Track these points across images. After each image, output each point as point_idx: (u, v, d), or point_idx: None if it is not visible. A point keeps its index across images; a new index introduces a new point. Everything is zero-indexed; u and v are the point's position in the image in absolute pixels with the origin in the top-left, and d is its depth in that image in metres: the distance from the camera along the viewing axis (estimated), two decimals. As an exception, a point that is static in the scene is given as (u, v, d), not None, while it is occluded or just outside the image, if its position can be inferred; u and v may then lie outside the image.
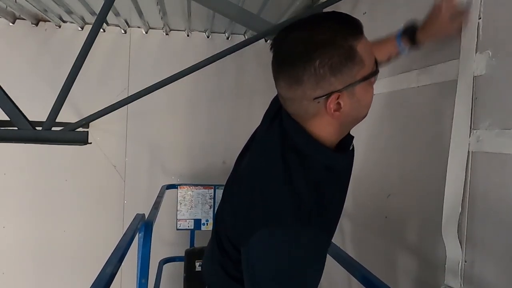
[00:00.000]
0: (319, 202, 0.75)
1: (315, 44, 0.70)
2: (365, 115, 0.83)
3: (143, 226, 1.52)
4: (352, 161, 0.92)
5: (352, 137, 0.89)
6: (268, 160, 0.83)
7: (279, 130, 0.86)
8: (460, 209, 1.07)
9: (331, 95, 0.73)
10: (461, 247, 1.08)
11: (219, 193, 2.63)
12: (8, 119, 1.29)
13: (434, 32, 1.14)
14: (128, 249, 1.18)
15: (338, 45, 0.70)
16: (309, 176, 0.77)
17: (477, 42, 1.06)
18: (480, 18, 1.06)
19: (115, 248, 1.11)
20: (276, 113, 0.92)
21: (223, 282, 0.93)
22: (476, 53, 1.07)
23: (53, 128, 1.33)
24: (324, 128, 0.79)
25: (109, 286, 0.91)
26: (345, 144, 0.87)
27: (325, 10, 2.35)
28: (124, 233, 1.27)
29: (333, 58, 0.70)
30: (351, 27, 0.73)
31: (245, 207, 0.82)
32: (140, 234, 1.52)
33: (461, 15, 1.11)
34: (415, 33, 1.15)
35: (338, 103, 0.74)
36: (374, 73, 0.77)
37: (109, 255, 1.06)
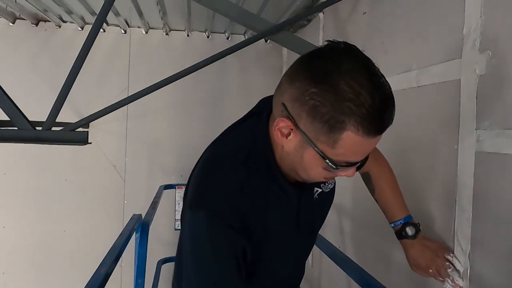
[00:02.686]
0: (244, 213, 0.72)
1: (334, 84, 0.60)
2: (302, 174, 0.73)
3: (139, 227, 1.52)
4: (313, 201, 0.87)
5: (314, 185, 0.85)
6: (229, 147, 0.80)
7: (255, 126, 0.79)
8: (471, 213, 1.07)
9: (290, 120, 0.65)
10: (467, 251, 1.08)
11: (219, 193, 2.63)
12: (8, 119, 1.29)
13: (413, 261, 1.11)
14: (124, 249, 1.18)
15: (340, 110, 0.60)
16: (250, 184, 0.74)
17: (479, 42, 1.06)
18: (480, 18, 1.06)
19: (110, 249, 1.11)
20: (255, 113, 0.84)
21: None
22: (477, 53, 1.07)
23: (53, 128, 1.33)
24: (273, 137, 0.73)
25: (104, 286, 0.91)
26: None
27: (325, 10, 2.35)
28: (120, 234, 1.27)
29: (325, 107, 0.60)
30: (370, 119, 0.60)
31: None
32: (137, 235, 1.51)
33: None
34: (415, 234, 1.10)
35: (289, 133, 0.67)
36: (333, 163, 0.65)
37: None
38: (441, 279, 1.08)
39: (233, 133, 0.83)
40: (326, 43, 0.66)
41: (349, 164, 0.67)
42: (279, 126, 0.67)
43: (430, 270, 1.08)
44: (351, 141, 0.62)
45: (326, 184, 0.90)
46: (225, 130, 0.85)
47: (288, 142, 0.68)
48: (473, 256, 1.06)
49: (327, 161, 0.65)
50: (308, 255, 1.04)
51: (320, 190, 0.89)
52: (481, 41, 1.05)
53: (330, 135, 0.62)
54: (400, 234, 1.11)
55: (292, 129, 0.66)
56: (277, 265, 0.84)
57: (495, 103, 1.00)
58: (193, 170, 0.86)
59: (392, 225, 1.13)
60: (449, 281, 1.07)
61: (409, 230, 1.09)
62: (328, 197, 0.94)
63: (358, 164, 0.69)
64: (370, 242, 1.71)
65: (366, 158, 0.71)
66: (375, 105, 0.60)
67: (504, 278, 0.96)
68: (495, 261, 0.99)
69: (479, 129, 1.04)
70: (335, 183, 0.95)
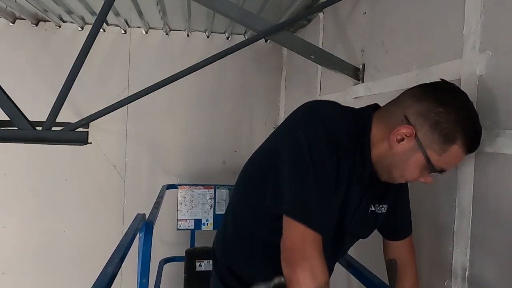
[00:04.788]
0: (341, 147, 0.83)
1: (455, 110, 0.81)
2: (395, 173, 0.88)
3: (143, 226, 1.52)
4: (368, 211, 0.95)
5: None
6: None
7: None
8: (471, 213, 1.07)
9: (410, 127, 0.81)
10: (466, 251, 1.08)
11: (220, 193, 2.63)
12: (8, 119, 1.29)
13: None
14: (129, 249, 1.18)
15: (457, 128, 0.80)
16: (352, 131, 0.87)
17: (479, 42, 1.06)
18: (480, 18, 1.06)
19: (116, 248, 1.11)
20: None
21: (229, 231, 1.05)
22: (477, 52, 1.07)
23: (53, 128, 1.33)
24: (378, 144, 0.88)
25: (111, 286, 0.91)
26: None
27: (325, 10, 2.35)
28: (125, 233, 1.27)
29: (446, 124, 0.80)
30: (472, 140, 0.83)
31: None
32: (140, 234, 1.51)
33: None
34: None
35: (402, 139, 0.83)
36: (433, 167, 0.84)
37: (110, 255, 1.06)
38: None
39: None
40: (441, 80, 0.87)
41: (441, 170, 0.85)
42: (400, 131, 0.83)
43: None
44: (454, 154, 0.82)
45: (381, 206, 0.98)
46: None
47: (399, 146, 0.84)
48: (473, 256, 1.06)
49: (430, 164, 0.83)
50: (336, 259, 1.08)
51: (374, 208, 0.96)
52: (481, 41, 1.05)
53: (443, 145, 0.81)
54: None
55: (407, 136, 0.82)
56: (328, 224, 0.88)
57: (495, 103, 1.00)
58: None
59: None
60: None
61: None
62: (378, 219, 0.99)
63: (441, 174, 0.88)
64: (370, 242, 1.71)
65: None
66: (477, 132, 0.84)
67: (504, 278, 0.96)
68: (495, 261, 0.99)
69: (479, 129, 1.04)
70: (386, 212, 1.00)
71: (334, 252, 1.00)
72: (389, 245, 1.13)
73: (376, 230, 1.08)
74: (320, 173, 0.80)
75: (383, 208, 0.99)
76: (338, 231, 0.94)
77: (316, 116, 0.85)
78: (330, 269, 1.05)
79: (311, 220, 0.78)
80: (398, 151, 0.85)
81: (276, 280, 0.83)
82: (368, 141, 0.89)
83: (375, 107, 0.95)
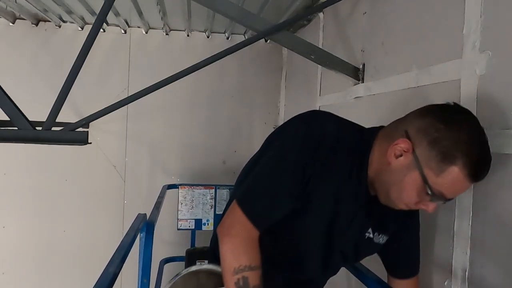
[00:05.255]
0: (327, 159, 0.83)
1: (459, 129, 0.75)
2: (392, 194, 0.83)
3: (144, 226, 1.51)
4: (364, 237, 0.94)
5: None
6: None
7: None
8: (471, 213, 1.07)
9: (409, 141, 0.78)
10: (466, 251, 1.08)
11: (220, 193, 2.63)
12: (8, 119, 1.29)
13: None
14: (131, 249, 1.18)
15: (458, 147, 0.74)
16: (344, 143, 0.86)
17: (479, 42, 1.06)
18: (480, 18, 1.06)
19: (117, 248, 1.11)
20: None
21: None
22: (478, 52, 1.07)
23: (53, 128, 1.33)
24: (376, 159, 0.85)
25: (112, 286, 0.91)
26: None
27: (325, 10, 2.35)
28: (126, 233, 1.26)
29: (446, 141, 0.74)
30: (476, 164, 0.75)
31: None
32: (141, 234, 1.51)
33: None
34: None
35: (401, 154, 0.79)
36: (430, 189, 0.77)
37: (110, 255, 1.06)
38: None
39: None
40: (450, 103, 0.82)
41: (441, 196, 0.77)
42: (398, 145, 0.79)
43: None
44: (453, 176, 0.74)
45: (380, 236, 0.96)
46: None
47: (397, 161, 0.79)
48: (473, 256, 1.06)
49: (427, 185, 0.76)
50: (326, 274, 1.06)
51: (372, 236, 0.94)
52: (481, 41, 1.05)
53: (440, 164, 0.74)
54: None
55: (406, 152, 0.78)
56: (307, 236, 0.90)
57: (495, 103, 1.00)
58: None
59: None
60: None
61: None
62: (373, 248, 0.98)
63: (443, 202, 0.80)
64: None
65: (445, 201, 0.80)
66: (482, 157, 0.76)
67: (504, 278, 0.96)
68: (495, 261, 0.99)
69: (479, 129, 1.04)
70: (384, 243, 0.98)
71: (323, 266, 0.99)
72: (392, 282, 1.10)
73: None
74: (278, 172, 0.84)
75: (381, 239, 0.96)
76: (327, 245, 0.93)
77: (303, 121, 0.86)
78: (320, 284, 1.06)
79: (250, 211, 0.83)
80: (396, 167, 0.80)
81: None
82: (367, 155, 0.86)
83: (381, 127, 0.93)
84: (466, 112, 0.80)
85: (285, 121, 0.91)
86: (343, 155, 0.85)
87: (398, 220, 0.97)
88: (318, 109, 0.93)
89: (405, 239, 1.03)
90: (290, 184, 0.83)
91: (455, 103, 0.81)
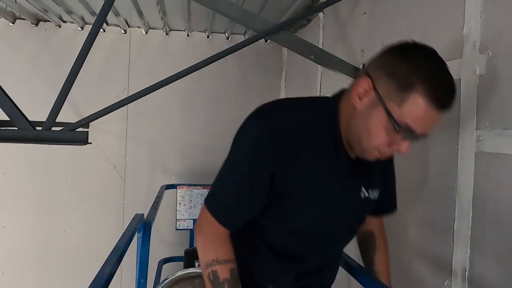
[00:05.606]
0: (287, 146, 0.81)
1: (417, 58, 0.74)
2: (363, 140, 0.81)
3: (142, 226, 1.51)
4: (360, 198, 0.93)
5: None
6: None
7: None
8: (471, 213, 1.07)
9: (368, 78, 0.77)
10: (466, 251, 1.08)
11: (219, 193, 2.63)
12: (8, 119, 1.29)
13: None
14: (127, 249, 1.18)
15: (416, 74, 0.71)
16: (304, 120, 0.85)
17: (479, 42, 1.06)
18: (480, 18, 1.06)
19: (113, 248, 1.11)
20: None
21: None
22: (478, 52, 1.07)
23: (53, 128, 1.33)
24: (344, 110, 0.85)
25: (108, 286, 0.91)
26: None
27: (325, 10, 2.35)
28: (123, 233, 1.27)
29: (403, 70, 0.72)
30: (438, 90, 0.72)
31: None
32: (139, 234, 1.51)
33: None
34: None
35: (364, 94, 0.78)
36: (396, 123, 0.74)
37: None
38: None
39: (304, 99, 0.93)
40: (409, 41, 0.80)
41: (409, 130, 0.74)
42: (360, 86, 0.78)
43: None
44: (416, 105, 0.72)
45: (374, 191, 0.96)
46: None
47: (362, 103, 0.78)
48: (473, 256, 1.06)
49: (392, 119, 0.74)
50: (339, 251, 1.08)
51: (367, 195, 0.94)
52: (481, 41, 1.05)
53: (401, 93, 0.72)
54: None
55: (367, 90, 0.77)
56: (307, 222, 0.90)
57: (495, 103, 1.00)
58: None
59: None
60: None
61: None
62: (371, 204, 0.98)
63: (415, 139, 0.78)
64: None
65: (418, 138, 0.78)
66: (443, 82, 0.73)
67: (504, 278, 0.96)
68: (495, 261, 0.99)
69: (479, 129, 1.04)
70: (378, 196, 0.98)
71: (334, 249, 1.02)
72: (367, 219, 1.12)
73: None
74: (235, 172, 0.87)
75: (375, 193, 0.97)
76: (332, 227, 0.93)
77: (255, 121, 0.85)
78: (334, 267, 1.07)
79: (214, 210, 0.88)
80: (362, 110, 0.79)
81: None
82: (336, 123, 0.85)
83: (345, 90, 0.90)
84: (425, 46, 0.77)
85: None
86: (313, 136, 0.84)
87: (381, 169, 0.98)
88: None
89: (387, 181, 1.05)
90: (247, 182, 0.84)
91: (413, 41, 0.79)
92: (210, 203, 0.90)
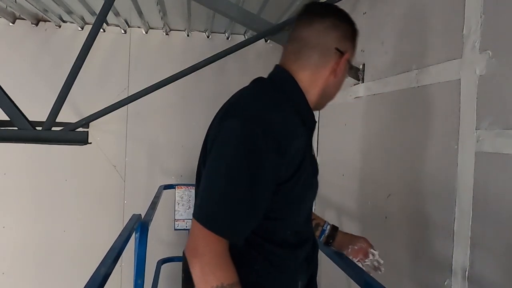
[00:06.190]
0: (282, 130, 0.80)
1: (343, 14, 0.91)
2: (335, 93, 0.96)
3: (139, 226, 1.51)
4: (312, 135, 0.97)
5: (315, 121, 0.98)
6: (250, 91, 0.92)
7: (254, 84, 0.94)
8: (471, 213, 1.07)
9: (345, 55, 0.89)
10: (466, 251, 1.08)
11: (219, 193, 2.63)
12: (8, 119, 1.29)
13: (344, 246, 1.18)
14: (124, 249, 1.17)
15: (352, 26, 0.92)
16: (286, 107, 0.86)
17: (479, 42, 1.06)
18: (481, 18, 1.06)
19: (109, 249, 1.11)
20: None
21: None
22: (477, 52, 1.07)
23: (53, 128, 1.33)
24: (314, 84, 0.90)
25: (103, 286, 0.90)
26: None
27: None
28: (120, 234, 1.26)
29: (351, 29, 0.92)
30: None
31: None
32: (136, 235, 1.51)
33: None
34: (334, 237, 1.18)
35: (337, 64, 0.89)
36: (351, 66, 0.95)
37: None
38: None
39: (261, 84, 0.94)
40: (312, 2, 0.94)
41: (352, 65, 0.96)
42: (341, 63, 0.90)
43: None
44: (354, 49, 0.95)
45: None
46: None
47: (338, 74, 0.90)
48: (473, 256, 1.06)
49: (351, 66, 0.94)
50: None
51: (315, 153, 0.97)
52: (481, 41, 1.05)
53: (352, 44, 0.93)
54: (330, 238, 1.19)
55: (339, 63, 0.90)
56: (311, 197, 0.91)
57: (495, 103, 1.00)
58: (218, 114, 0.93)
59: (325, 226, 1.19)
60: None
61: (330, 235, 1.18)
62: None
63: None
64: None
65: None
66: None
67: (504, 278, 0.96)
68: (495, 261, 0.99)
69: (479, 129, 1.04)
70: None
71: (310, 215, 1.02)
72: None
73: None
74: (237, 179, 0.77)
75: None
76: (314, 191, 0.95)
77: (241, 127, 0.78)
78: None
79: (216, 225, 0.76)
80: (339, 74, 0.91)
81: None
82: (303, 97, 0.91)
83: (279, 71, 0.93)
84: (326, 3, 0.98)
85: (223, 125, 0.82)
86: (292, 118, 0.84)
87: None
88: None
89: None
90: (254, 185, 0.77)
91: (313, 2, 0.95)
92: (206, 219, 0.77)
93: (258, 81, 0.94)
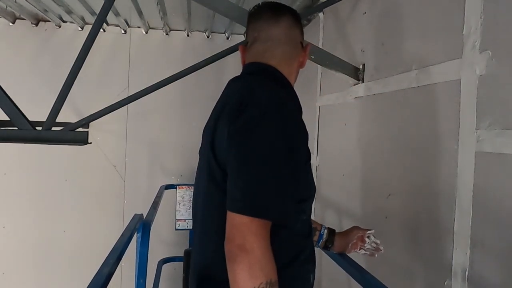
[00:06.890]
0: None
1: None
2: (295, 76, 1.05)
3: (141, 226, 1.51)
4: None
5: None
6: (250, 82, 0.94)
7: (243, 80, 0.98)
8: (471, 213, 1.07)
9: (307, 46, 1.05)
10: (466, 251, 1.08)
11: (219, 193, 2.63)
12: (8, 119, 1.29)
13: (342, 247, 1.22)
14: (126, 249, 1.17)
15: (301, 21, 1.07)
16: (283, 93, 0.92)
17: (479, 42, 1.06)
18: (481, 18, 1.06)
19: (112, 249, 1.11)
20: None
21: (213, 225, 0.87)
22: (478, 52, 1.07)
23: (53, 128, 1.33)
24: (291, 77, 1.00)
25: (106, 286, 0.90)
26: None
27: (325, 10, 2.36)
28: (122, 234, 1.26)
29: (301, 23, 1.07)
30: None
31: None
32: (138, 234, 1.51)
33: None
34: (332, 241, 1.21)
35: (305, 59, 1.04)
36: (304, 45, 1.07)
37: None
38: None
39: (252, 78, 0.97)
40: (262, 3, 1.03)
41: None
42: (306, 54, 1.05)
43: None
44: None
45: None
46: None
47: (303, 63, 1.04)
48: (473, 256, 1.06)
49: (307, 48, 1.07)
50: None
51: None
52: (481, 41, 1.05)
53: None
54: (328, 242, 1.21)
55: (304, 55, 1.04)
56: (313, 186, 0.95)
57: (495, 103, 1.00)
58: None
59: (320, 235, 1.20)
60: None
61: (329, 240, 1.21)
62: None
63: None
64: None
65: None
66: None
67: (504, 278, 0.96)
68: (495, 261, 0.99)
69: (479, 129, 1.04)
70: None
71: None
72: None
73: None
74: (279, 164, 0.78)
75: None
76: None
77: (276, 113, 0.81)
78: None
79: (269, 211, 0.75)
80: (304, 64, 1.05)
81: None
82: (293, 88, 1.00)
83: (263, 67, 0.98)
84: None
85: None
86: (297, 104, 0.95)
87: None
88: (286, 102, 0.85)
89: None
90: (293, 162, 0.80)
91: (264, 3, 1.02)
92: (257, 208, 0.73)
93: (251, 75, 0.98)
